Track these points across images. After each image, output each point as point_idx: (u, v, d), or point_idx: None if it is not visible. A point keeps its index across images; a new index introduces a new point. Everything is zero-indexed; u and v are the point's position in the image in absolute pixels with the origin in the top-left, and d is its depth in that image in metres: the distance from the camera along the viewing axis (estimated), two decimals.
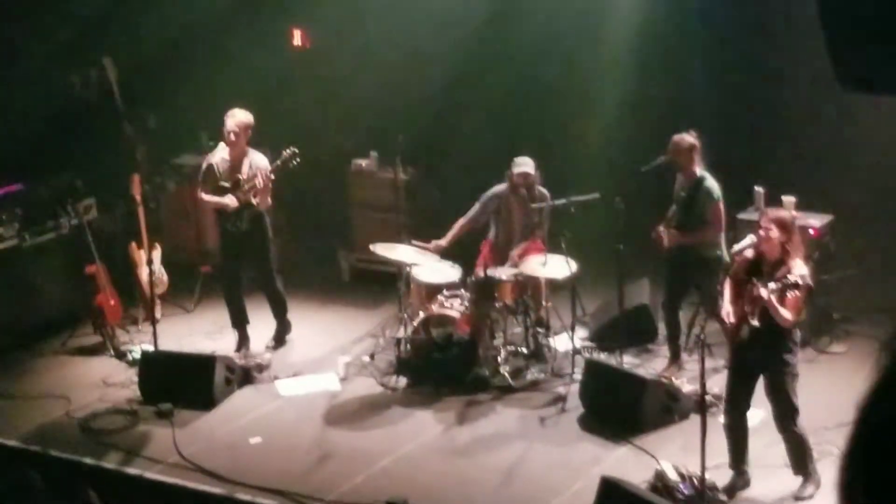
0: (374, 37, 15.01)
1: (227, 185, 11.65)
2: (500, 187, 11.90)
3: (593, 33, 13.91)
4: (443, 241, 11.86)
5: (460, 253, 12.02)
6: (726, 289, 9.09)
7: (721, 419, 9.41)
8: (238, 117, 11.66)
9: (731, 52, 13.44)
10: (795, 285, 8.46)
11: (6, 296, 12.44)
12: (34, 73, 14.23)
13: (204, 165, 11.92)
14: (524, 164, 11.68)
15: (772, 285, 8.52)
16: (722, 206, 10.75)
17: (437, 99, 14.55)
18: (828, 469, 9.10)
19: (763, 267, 8.81)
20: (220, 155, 11.80)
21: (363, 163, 14.15)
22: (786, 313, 8.62)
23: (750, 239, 9.08)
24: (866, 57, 5.31)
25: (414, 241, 11.83)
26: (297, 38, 15.24)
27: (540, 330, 11.59)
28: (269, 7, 15.11)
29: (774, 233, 8.74)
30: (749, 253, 8.98)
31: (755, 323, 8.70)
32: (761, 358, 8.94)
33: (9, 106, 13.86)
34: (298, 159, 11.61)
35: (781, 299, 8.57)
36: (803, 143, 13.13)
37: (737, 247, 9.21)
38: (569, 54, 14.06)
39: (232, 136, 11.61)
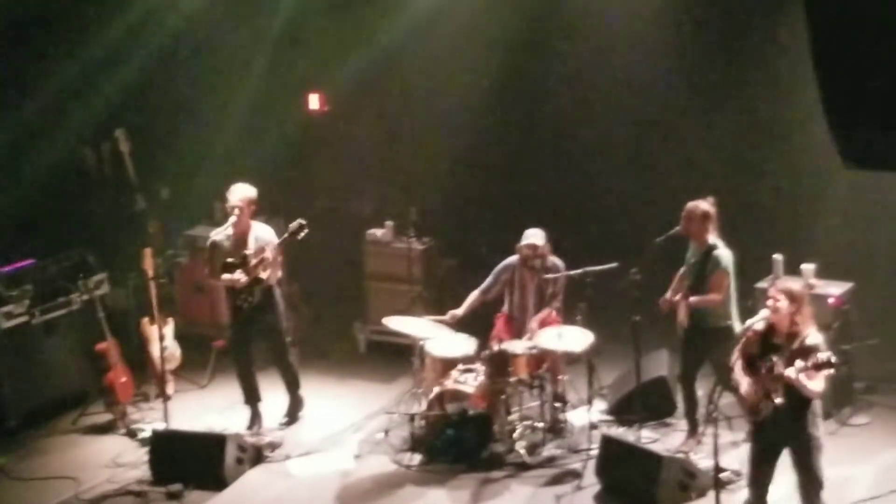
0: (391, 102, 14.95)
1: (234, 261, 11.48)
2: (512, 259, 11.79)
3: (611, 102, 13.86)
4: (459, 311, 11.74)
5: (476, 325, 11.84)
6: (737, 364, 8.82)
7: (740, 496, 9.19)
8: (240, 192, 11.51)
9: (750, 118, 13.32)
10: (828, 363, 8.21)
11: (16, 373, 12.25)
12: (45, 145, 14.20)
13: (209, 244, 11.73)
14: (532, 236, 11.56)
15: (799, 364, 8.28)
16: (729, 276, 10.54)
17: (455, 166, 14.48)
18: None
19: (775, 340, 8.58)
20: (224, 232, 11.62)
21: (378, 232, 14.01)
22: (814, 387, 8.38)
23: (764, 312, 8.85)
24: (868, 137, 5.26)
25: (430, 318, 11.68)
26: (313, 103, 15.11)
27: (556, 404, 11.39)
28: (284, 72, 15.04)
29: (783, 304, 8.53)
30: (759, 326, 8.74)
31: (779, 400, 8.46)
32: (786, 433, 8.66)
33: (20, 180, 13.82)
34: (306, 231, 11.37)
35: (810, 376, 8.34)
36: (823, 209, 12.95)
37: (749, 321, 8.95)
38: (586, 123, 13.99)
39: (235, 212, 11.46)
